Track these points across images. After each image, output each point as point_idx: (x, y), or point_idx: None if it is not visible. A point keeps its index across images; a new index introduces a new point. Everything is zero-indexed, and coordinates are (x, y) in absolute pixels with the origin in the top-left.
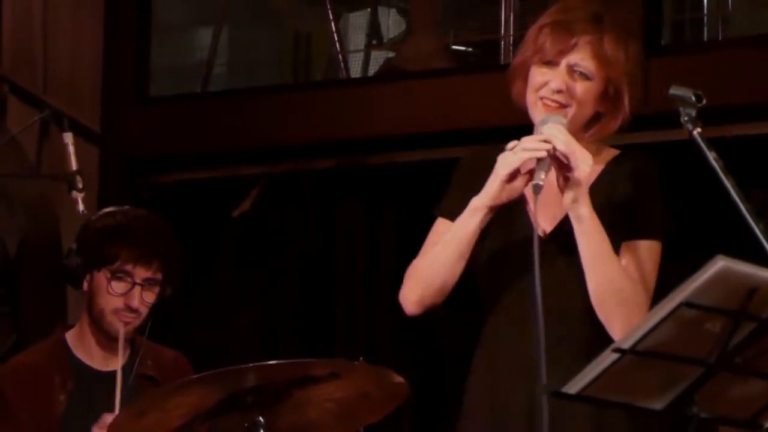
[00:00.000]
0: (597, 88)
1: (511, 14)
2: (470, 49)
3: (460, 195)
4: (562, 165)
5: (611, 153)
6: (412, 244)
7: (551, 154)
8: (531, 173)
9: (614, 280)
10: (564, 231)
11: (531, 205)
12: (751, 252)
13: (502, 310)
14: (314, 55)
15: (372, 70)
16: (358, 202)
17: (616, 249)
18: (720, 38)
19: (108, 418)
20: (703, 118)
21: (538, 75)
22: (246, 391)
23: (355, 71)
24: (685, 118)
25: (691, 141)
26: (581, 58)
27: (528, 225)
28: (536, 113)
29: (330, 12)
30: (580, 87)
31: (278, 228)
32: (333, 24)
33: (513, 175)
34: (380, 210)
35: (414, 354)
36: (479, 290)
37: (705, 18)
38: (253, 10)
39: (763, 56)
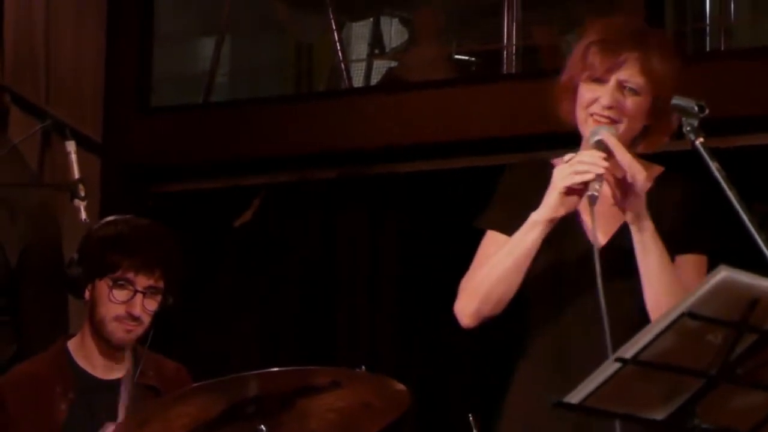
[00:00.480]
0: (646, 103)
1: (514, 24)
2: (473, 59)
3: (508, 206)
4: (618, 180)
5: (656, 169)
6: (413, 253)
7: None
8: (586, 185)
9: (674, 292)
10: (618, 244)
11: (585, 217)
12: (753, 263)
13: (557, 322)
14: (316, 65)
15: (374, 80)
16: (360, 212)
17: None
18: (722, 49)
19: (110, 428)
20: (706, 128)
21: (587, 92)
22: (248, 401)
23: (358, 81)
24: (688, 128)
25: (694, 151)
26: (630, 74)
27: (582, 238)
28: (586, 129)
29: (332, 22)
30: (629, 102)
31: (280, 237)
32: (336, 33)
33: (571, 189)
34: (382, 220)
35: (416, 362)
36: (529, 302)
37: (707, 28)
38: (256, 21)
39: (766, 68)
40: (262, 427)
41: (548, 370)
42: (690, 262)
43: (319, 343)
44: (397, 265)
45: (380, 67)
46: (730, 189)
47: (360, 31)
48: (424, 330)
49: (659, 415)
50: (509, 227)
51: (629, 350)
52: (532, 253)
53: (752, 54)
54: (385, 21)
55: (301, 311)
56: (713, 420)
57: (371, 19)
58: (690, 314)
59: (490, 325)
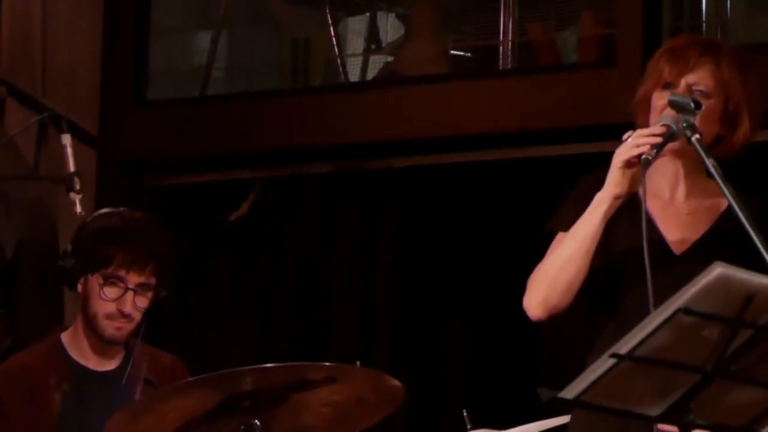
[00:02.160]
0: (716, 107)
1: (510, 20)
2: (469, 55)
3: (577, 210)
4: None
5: (729, 188)
6: (409, 248)
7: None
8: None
9: None
10: (698, 252)
11: (659, 223)
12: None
13: (622, 318)
14: (312, 59)
15: (370, 75)
16: (356, 207)
17: None
18: None
19: None
20: None
21: (658, 99)
22: (242, 395)
23: (354, 75)
24: (684, 125)
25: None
26: (700, 77)
27: (657, 239)
28: None
29: (329, 16)
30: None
31: (275, 231)
32: (332, 28)
33: (630, 162)
34: (377, 214)
35: (410, 358)
36: (600, 295)
37: (704, 25)
38: (252, 15)
39: (761, 64)
40: (257, 421)
41: None
42: None
43: (314, 337)
44: (392, 260)
45: (376, 61)
46: (725, 185)
47: (356, 26)
48: (419, 325)
49: (654, 411)
50: None
51: (625, 346)
52: (598, 234)
53: (747, 50)
54: (381, 16)
55: (296, 305)
56: (708, 416)
57: (368, 14)
58: (685, 310)
59: (485, 321)
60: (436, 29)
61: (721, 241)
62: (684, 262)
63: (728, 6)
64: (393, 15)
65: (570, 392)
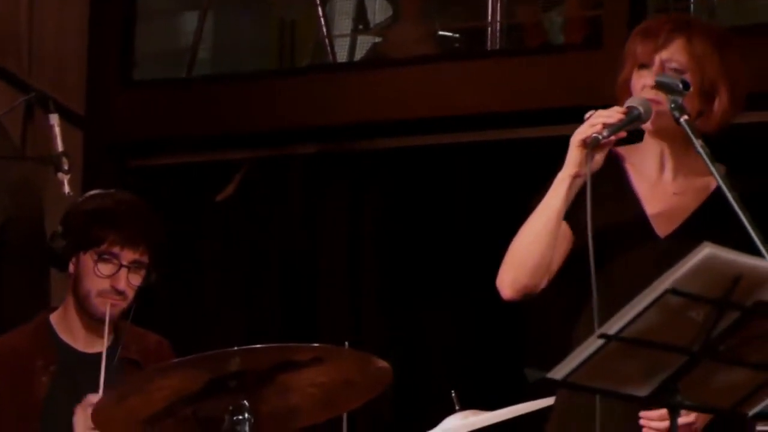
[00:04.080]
0: (692, 82)
1: (498, 2)
2: (456, 36)
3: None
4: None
5: (718, 167)
6: (395, 229)
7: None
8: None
9: None
10: (682, 234)
11: (647, 206)
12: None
13: (603, 306)
14: (299, 40)
15: (358, 56)
16: (342, 188)
17: None
18: None
19: (92, 399)
20: None
21: (636, 79)
22: (230, 375)
23: (341, 56)
24: (672, 106)
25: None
26: (672, 53)
27: (641, 221)
28: None
29: None
30: None
31: (262, 212)
32: (320, 9)
33: (586, 142)
34: (364, 195)
35: (398, 339)
36: (579, 276)
37: (691, 7)
38: None
39: (749, 46)
40: (245, 401)
41: None
42: None
43: (301, 318)
44: (379, 241)
45: (364, 42)
46: (714, 166)
47: (344, 6)
48: (407, 306)
49: (642, 392)
50: (569, 212)
51: (613, 327)
52: (560, 213)
53: (736, 33)
54: None
55: (283, 286)
56: (695, 397)
57: None
58: (673, 291)
59: (472, 303)
60: (424, 10)
61: (707, 223)
62: (667, 245)
63: None
64: None
65: (558, 373)
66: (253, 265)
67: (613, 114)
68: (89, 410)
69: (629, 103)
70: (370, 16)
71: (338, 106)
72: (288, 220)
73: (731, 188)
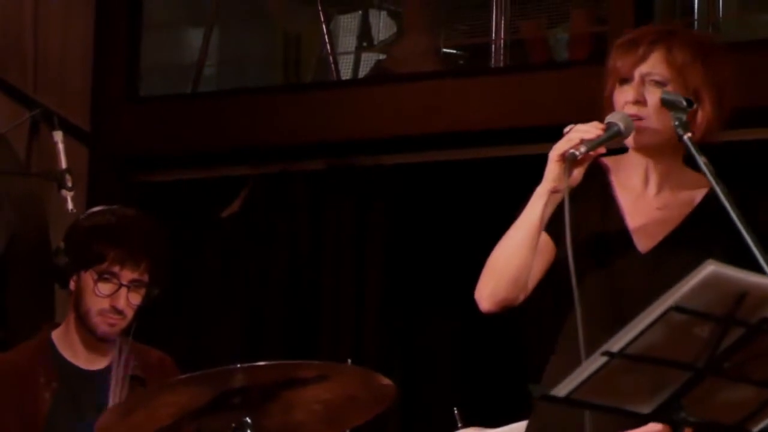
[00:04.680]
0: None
1: (502, 18)
2: (460, 53)
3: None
4: None
5: (703, 180)
6: (400, 246)
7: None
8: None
9: None
10: (663, 250)
11: (629, 219)
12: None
13: (583, 319)
14: (304, 56)
15: (362, 72)
16: (347, 204)
17: None
18: None
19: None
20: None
21: (619, 95)
22: (233, 392)
23: (346, 73)
24: (676, 123)
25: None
26: (652, 65)
27: (623, 236)
28: None
29: (321, 14)
30: (656, 95)
31: (267, 229)
32: (324, 26)
33: (564, 157)
34: (369, 211)
35: (402, 356)
36: (560, 289)
37: (696, 23)
38: (244, 11)
39: (752, 61)
40: (247, 419)
41: (558, 373)
42: None
43: (304, 334)
44: (383, 257)
45: (368, 59)
46: (717, 183)
47: (348, 23)
48: (410, 323)
49: (646, 409)
50: (551, 224)
51: (616, 344)
52: (538, 228)
53: (739, 48)
54: (373, 14)
55: (286, 302)
56: (700, 413)
57: (360, 12)
58: (677, 308)
59: (476, 319)
60: (428, 27)
61: (688, 239)
62: (647, 260)
63: (720, 3)
64: (385, 12)
65: (561, 390)
66: (257, 282)
67: (592, 129)
68: None
69: (609, 119)
70: (374, 33)
71: (343, 122)
72: (292, 236)
73: (734, 206)
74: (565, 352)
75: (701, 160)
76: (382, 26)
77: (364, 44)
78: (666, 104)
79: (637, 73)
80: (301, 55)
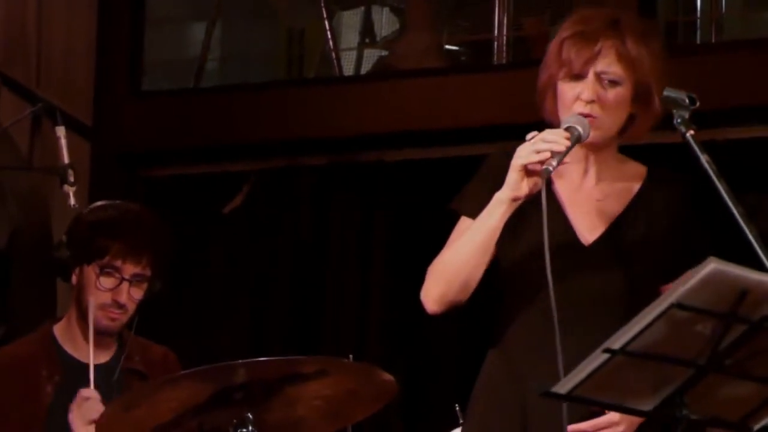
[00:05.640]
0: (627, 92)
1: (505, 15)
2: (463, 49)
3: (484, 193)
4: None
5: (640, 168)
6: (403, 241)
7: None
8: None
9: None
10: (607, 242)
11: (570, 211)
12: (742, 255)
13: (528, 316)
14: (307, 51)
15: (365, 69)
16: (350, 199)
17: (656, 281)
18: (712, 42)
19: (85, 393)
20: (696, 120)
21: (569, 90)
22: (235, 387)
23: (348, 69)
24: (679, 120)
25: (684, 143)
26: (607, 63)
27: (566, 230)
28: None
29: (324, 10)
30: (611, 94)
31: (270, 224)
32: (326, 22)
33: (529, 169)
34: (372, 208)
35: (403, 352)
36: (503, 291)
37: (698, 21)
38: (247, 6)
39: (755, 60)
40: (249, 414)
41: (513, 364)
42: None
43: (307, 330)
44: (386, 253)
45: (371, 55)
46: (719, 181)
47: (351, 19)
48: (412, 319)
49: (648, 406)
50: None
51: (618, 341)
52: (496, 234)
53: (742, 46)
54: (376, 10)
55: (289, 298)
56: (701, 410)
57: (362, 8)
58: (679, 305)
59: (478, 316)
60: (431, 23)
61: (630, 229)
62: (592, 252)
63: (723, 1)
64: (387, 9)
65: (563, 386)
66: (260, 277)
67: (560, 140)
68: (84, 405)
69: (568, 123)
70: (377, 29)
71: (346, 117)
72: (296, 232)
73: (736, 203)
74: (506, 345)
75: (704, 158)
76: (385, 22)
77: (367, 40)
78: (669, 102)
79: (592, 72)
80: (304, 51)
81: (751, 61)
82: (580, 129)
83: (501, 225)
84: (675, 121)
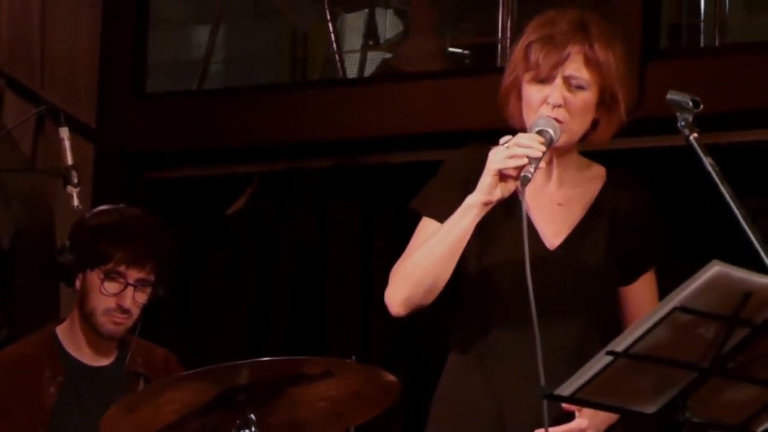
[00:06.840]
0: (593, 97)
1: (509, 18)
2: (467, 52)
3: (448, 195)
4: None
5: (600, 170)
6: (405, 244)
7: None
8: (521, 168)
9: None
10: (570, 246)
11: (536, 216)
12: (745, 258)
13: (496, 317)
14: (311, 53)
15: (368, 71)
16: (353, 202)
17: (617, 285)
18: (717, 44)
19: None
20: (699, 123)
21: (535, 93)
22: (239, 388)
23: (352, 72)
24: (682, 123)
25: (688, 146)
26: (575, 68)
27: (530, 234)
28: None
29: (327, 12)
30: (578, 99)
31: (273, 226)
32: (330, 24)
33: (504, 175)
34: (375, 210)
35: (406, 353)
36: (465, 296)
37: (702, 24)
38: (251, 8)
39: (760, 63)
40: (252, 415)
41: (483, 369)
42: (649, 278)
43: (310, 331)
44: (389, 255)
45: (374, 58)
46: (723, 184)
47: (354, 22)
48: (415, 320)
49: (650, 409)
50: (446, 215)
51: (621, 344)
52: (466, 239)
53: (746, 49)
54: (379, 12)
55: (293, 300)
56: (704, 413)
57: (366, 11)
58: (682, 308)
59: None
60: (435, 26)
61: (593, 233)
62: (556, 256)
63: (727, 4)
64: (391, 11)
65: (566, 389)
66: (263, 279)
67: (535, 145)
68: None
69: (538, 127)
70: (380, 32)
71: (350, 120)
72: (298, 234)
73: (739, 205)
74: (473, 350)
75: (707, 161)
76: (389, 25)
77: (371, 43)
78: (673, 105)
79: (559, 75)
80: (308, 53)
81: (754, 64)
82: (552, 132)
83: (471, 229)
84: (678, 124)
